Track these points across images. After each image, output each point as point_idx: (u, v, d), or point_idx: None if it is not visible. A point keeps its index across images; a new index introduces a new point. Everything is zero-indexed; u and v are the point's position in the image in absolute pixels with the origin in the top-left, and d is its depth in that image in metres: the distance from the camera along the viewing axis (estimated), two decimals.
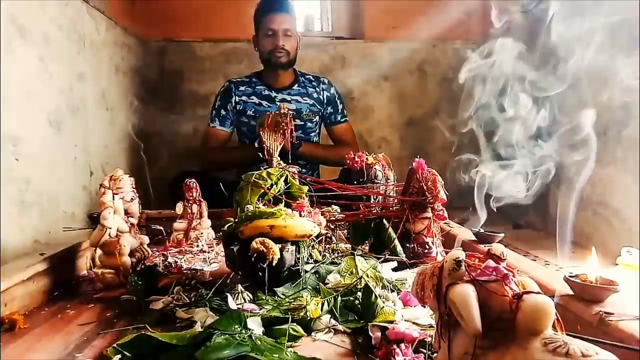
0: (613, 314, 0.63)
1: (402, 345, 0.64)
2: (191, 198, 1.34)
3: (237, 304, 0.80)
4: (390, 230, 1.06)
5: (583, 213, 1.64)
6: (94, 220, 1.22)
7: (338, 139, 2.12)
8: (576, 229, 1.69)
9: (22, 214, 1.30)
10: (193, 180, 1.36)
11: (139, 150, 2.27)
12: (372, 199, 1.22)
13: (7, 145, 1.24)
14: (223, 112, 2.03)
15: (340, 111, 2.11)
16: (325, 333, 0.75)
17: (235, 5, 2.41)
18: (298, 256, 0.90)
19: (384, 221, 1.08)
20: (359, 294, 0.82)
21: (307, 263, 0.94)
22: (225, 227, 0.94)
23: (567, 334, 0.43)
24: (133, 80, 2.31)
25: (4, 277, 0.83)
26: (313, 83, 2.09)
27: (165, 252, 1.21)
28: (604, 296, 0.68)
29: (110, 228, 0.98)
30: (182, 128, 2.53)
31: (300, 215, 0.96)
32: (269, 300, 0.83)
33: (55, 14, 1.52)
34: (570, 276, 0.72)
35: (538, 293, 0.44)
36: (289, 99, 2.03)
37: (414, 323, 0.75)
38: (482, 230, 1.13)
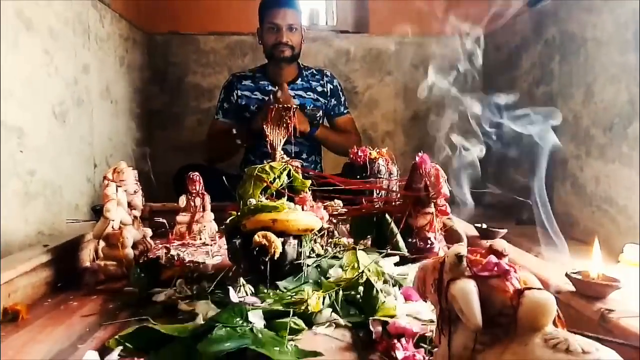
0: (614, 310, 0.63)
1: (403, 340, 0.64)
2: (194, 191, 1.34)
3: (239, 297, 0.80)
4: (393, 225, 1.05)
5: (587, 209, 1.63)
6: (97, 212, 1.22)
7: (342, 130, 2.13)
8: (580, 225, 1.68)
9: (26, 205, 1.31)
10: (196, 173, 1.36)
11: (143, 145, 2.28)
12: (375, 194, 1.22)
13: (12, 137, 1.25)
14: (226, 105, 2.05)
15: (342, 103, 2.13)
16: (326, 327, 0.75)
17: None
18: (300, 250, 0.90)
19: (387, 216, 1.08)
20: (361, 288, 0.82)
21: (309, 257, 0.94)
22: (228, 220, 0.94)
23: (568, 331, 0.43)
24: (137, 73, 2.31)
25: (8, 268, 0.83)
26: (317, 77, 2.09)
27: (168, 245, 1.22)
28: (605, 293, 0.67)
29: (113, 220, 0.98)
30: (186, 121, 2.54)
31: (303, 210, 0.96)
32: (271, 294, 0.83)
33: (60, 7, 1.52)
34: (572, 272, 0.71)
35: (539, 289, 0.43)
36: (293, 94, 2.02)
37: (415, 318, 0.75)
38: (484, 226, 1.13)
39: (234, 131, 1.88)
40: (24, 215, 1.30)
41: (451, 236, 1.15)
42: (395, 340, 0.63)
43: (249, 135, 1.89)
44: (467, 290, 0.44)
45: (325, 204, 1.12)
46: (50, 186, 1.43)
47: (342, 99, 2.13)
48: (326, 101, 2.09)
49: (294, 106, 1.42)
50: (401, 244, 1.02)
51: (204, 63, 2.55)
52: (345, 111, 2.14)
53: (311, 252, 0.96)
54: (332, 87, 2.10)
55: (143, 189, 1.09)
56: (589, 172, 1.63)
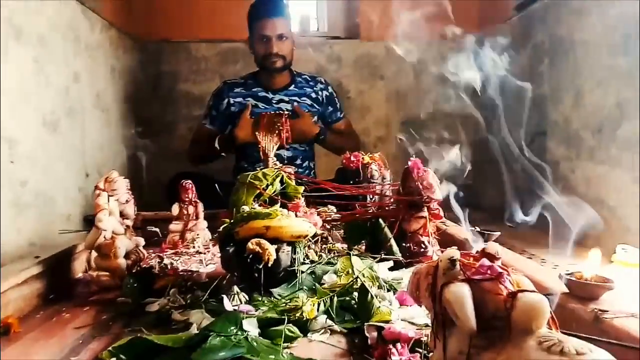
0: (608, 311, 0.63)
1: (398, 345, 0.63)
2: (187, 199, 1.34)
3: (233, 306, 0.79)
4: (386, 229, 1.06)
5: None
6: (89, 222, 1.21)
7: (342, 132, 2.14)
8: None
9: (18, 216, 1.30)
10: (189, 181, 1.36)
11: (137, 155, 2.27)
12: (368, 199, 1.22)
13: (3, 147, 1.24)
14: (214, 112, 2.04)
15: (339, 108, 2.14)
16: (322, 334, 0.74)
17: (232, 6, 2.40)
18: (294, 257, 0.90)
19: (380, 221, 1.08)
20: (355, 294, 0.82)
21: (303, 263, 0.94)
22: (221, 228, 0.94)
23: (562, 332, 0.43)
24: (129, 81, 2.30)
25: None
26: (310, 83, 2.09)
27: (161, 254, 1.21)
28: (599, 294, 0.68)
29: (105, 230, 0.98)
30: (177, 129, 2.53)
31: (296, 216, 0.96)
32: (265, 301, 0.83)
33: (50, 15, 1.52)
34: (565, 274, 0.72)
35: (533, 291, 0.44)
36: (286, 100, 2.02)
37: (410, 322, 0.75)
38: (477, 229, 1.13)
39: (217, 144, 1.90)
40: (16, 226, 1.28)
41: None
42: (391, 346, 0.63)
43: (232, 145, 1.90)
44: (461, 294, 0.44)
45: (318, 210, 1.12)
46: (41, 196, 1.42)
47: (338, 104, 2.14)
48: (321, 109, 2.09)
49: (286, 113, 1.42)
50: (395, 248, 1.02)
51: (195, 70, 2.54)
52: (341, 115, 2.15)
53: (305, 259, 0.96)
54: (327, 94, 2.10)
55: (135, 188, 1.08)
56: (579, 174, 1.64)
